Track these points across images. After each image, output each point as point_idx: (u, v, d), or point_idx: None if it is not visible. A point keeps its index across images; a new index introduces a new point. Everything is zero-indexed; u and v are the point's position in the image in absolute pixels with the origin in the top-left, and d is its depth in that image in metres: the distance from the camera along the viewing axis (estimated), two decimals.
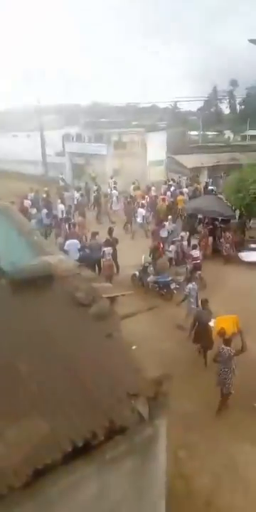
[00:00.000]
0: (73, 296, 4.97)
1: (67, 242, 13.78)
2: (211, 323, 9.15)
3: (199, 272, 13.34)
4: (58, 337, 4.31)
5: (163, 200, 21.99)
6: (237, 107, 79.02)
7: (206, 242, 16.18)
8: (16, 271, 5.45)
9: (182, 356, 9.24)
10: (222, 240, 16.11)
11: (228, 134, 61.76)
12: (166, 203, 21.59)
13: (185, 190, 24.15)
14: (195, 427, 7.23)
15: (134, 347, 7.29)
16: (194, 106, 77.25)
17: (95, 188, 24.83)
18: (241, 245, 16.49)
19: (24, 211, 19.05)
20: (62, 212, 19.57)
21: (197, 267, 13.39)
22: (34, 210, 19.83)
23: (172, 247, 15.11)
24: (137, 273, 13.46)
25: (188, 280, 11.67)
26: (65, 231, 16.34)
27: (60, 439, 3.14)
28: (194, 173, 29.66)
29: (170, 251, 14.98)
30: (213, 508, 5.85)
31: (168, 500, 4.18)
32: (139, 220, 19.08)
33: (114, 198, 23.73)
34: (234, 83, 74.77)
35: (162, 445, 3.80)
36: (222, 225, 17.09)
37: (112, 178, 27.88)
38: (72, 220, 18.13)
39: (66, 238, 14.63)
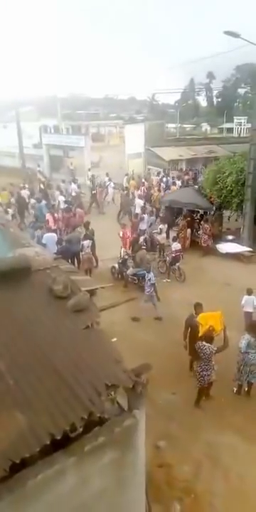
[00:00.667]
0: (51, 288, 4.90)
1: (45, 236, 13.66)
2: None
3: (178, 264, 13.45)
4: (36, 330, 4.25)
5: (159, 190, 22.30)
6: (214, 99, 79.66)
7: (185, 234, 16.32)
8: None
9: (161, 347, 9.31)
10: (200, 231, 16.28)
11: (205, 126, 62.31)
12: (162, 193, 21.84)
13: (177, 182, 24.51)
14: (175, 417, 7.30)
15: (114, 339, 7.28)
16: (172, 99, 77.60)
17: (89, 178, 25.29)
18: (218, 237, 16.73)
19: (22, 201, 20.43)
20: (61, 202, 19.87)
21: (176, 259, 13.49)
22: (32, 201, 20.32)
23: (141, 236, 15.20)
24: (116, 265, 13.45)
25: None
26: (66, 220, 17.16)
27: (38, 432, 3.10)
28: (172, 166, 29.83)
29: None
30: (193, 494, 5.94)
31: (148, 490, 4.23)
32: (137, 210, 18.98)
33: (110, 189, 24.01)
34: (211, 75, 75.30)
35: (141, 435, 3.81)
36: (199, 217, 17.27)
37: (89, 171, 27.71)
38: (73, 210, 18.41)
39: (48, 230, 14.61)
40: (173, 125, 52.14)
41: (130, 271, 12.89)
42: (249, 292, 9.99)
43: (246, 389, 8.09)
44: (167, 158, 29.99)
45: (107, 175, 25.53)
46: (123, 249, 13.82)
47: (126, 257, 13.39)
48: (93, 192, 23.16)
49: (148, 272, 12.50)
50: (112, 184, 24.72)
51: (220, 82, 73.57)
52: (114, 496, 3.68)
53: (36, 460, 3.06)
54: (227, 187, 16.34)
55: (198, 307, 8.54)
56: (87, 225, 14.81)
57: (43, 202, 19.53)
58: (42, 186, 23.57)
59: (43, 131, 35.82)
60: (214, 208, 17.25)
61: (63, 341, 4.14)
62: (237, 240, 16.34)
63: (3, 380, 3.56)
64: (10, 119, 37.75)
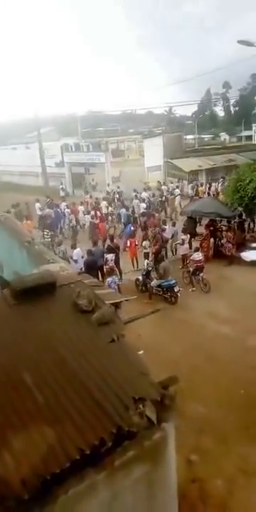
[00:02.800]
0: (75, 303, 4.93)
1: (75, 252, 13.95)
2: None
3: (202, 274, 13.30)
4: (61, 345, 4.27)
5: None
6: (231, 108, 79.30)
7: (208, 244, 16.14)
8: (18, 280, 5.42)
9: (188, 359, 9.16)
10: (223, 240, 16.07)
11: (224, 136, 61.99)
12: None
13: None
14: (206, 430, 7.13)
15: (140, 352, 7.23)
16: (189, 110, 77.81)
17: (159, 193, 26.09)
18: (242, 245, 16.46)
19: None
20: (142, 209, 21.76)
21: (199, 269, 13.35)
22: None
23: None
24: (140, 278, 13.43)
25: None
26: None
27: (68, 447, 3.10)
28: (192, 176, 29.77)
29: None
30: (228, 511, 5.75)
31: (181, 506, 4.12)
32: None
33: (178, 197, 24.42)
34: (227, 85, 75.14)
35: (172, 449, 3.74)
36: (222, 226, 17.08)
37: (108, 186, 28.16)
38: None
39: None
40: (192, 136, 52.17)
41: (154, 282, 12.83)
42: None
43: None
44: (187, 169, 29.98)
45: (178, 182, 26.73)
46: (147, 261, 13.79)
47: (150, 268, 13.35)
48: (161, 200, 24.04)
49: (174, 285, 12.45)
50: (178, 191, 25.43)
51: (236, 91, 73.32)
52: (146, 511, 3.61)
53: (67, 476, 3.05)
54: (248, 194, 16.12)
55: None
56: (111, 238, 14.93)
57: (124, 210, 21.19)
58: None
59: (64, 149, 36.67)
60: (236, 216, 17.04)
61: (89, 355, 4.14)
62: None
63: (31, 395, 3.59)
64: (32, 140, 38.88)
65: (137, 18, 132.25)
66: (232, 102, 78.05)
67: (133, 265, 15.50)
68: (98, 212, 21.48)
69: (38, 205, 22.68)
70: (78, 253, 13.96)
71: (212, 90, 76.76)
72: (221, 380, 8.39)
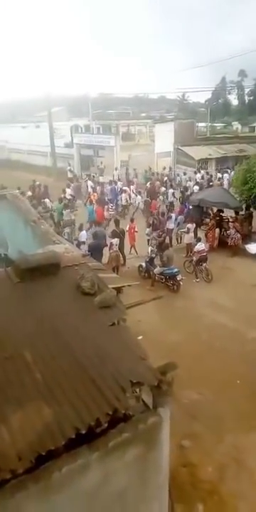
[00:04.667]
0: (78, 285, 4.97)
1: (81, 233, 14.02)
2: None
3: (205, 264, 13.29)
4: (63, 325, 4.32)
5: None
6: (246, 98, 77.80)
7: (213, 234, 16.07)
8: (23, 259, 5.47)
9: (187, 346, 9.23)
10: (229, 231, 15.97)
11: (236, 125, 61.01)
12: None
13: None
14: (200, 417, 7.23)
15: (140, 337, 7.29)
16: (202, 97, 76.42)
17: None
18: (248, 237, 16.36)
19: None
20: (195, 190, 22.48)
21: (202, 259, 13.33)
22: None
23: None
24: (143, 264, 13.45)
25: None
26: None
27: (64, 425, 3.16)
28: (201, 165, 29.47)
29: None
30: (217, 496, 5.87)
31: (171, 489, 4.21)
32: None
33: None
34: (242, 73, 73.59)
35: (166, 434, 3.80)
36: (229, 217, 16.96)
37: (116, 170, 28.04)
38: None
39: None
40: (204, 124, 51.38)
41: (157, 270, 12.85)
42: None
43: None
44: (196, 157, 29.63)
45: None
46: (150, 247, 13.79)
47: (154, 255, 13.36)
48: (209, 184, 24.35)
49: (176, 273, 12.46)
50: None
51: (251, 80, 71.80)
52: (138, 493, 3.69)
53: (61, 453, 3.12)
54: None
55: None
56: (117, 222, 14.92)
57: (171, 190, 22.37)
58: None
59: (74, 130, 36.34)
60: (244, 207, 16.90)
61: (89, 337, 4.19)
62: None
63: (30, 372, 3.65)
64: (42, 119, 38.57)
65: (152, 4, 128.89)
66: (246, 91, 76.61)
67: (130, 251, 15.46)
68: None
69: (90, 183, 24.71)
70: (85, 235, 14.01)
71: (228, 78, 75.32)
72: (218, 369, 8.47)
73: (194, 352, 9.04)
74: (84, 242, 13.63)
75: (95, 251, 11.84)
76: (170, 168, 30.07)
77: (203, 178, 25.96)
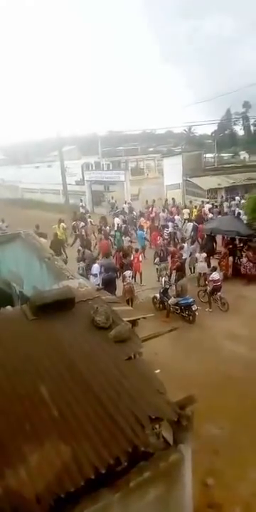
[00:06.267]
0: (93, 319, 4.97)
1: (94, 266, 14.12)
2: None
3: (219, 294, 13.14)
4: (79, 361, 4.29)
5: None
6: (251, 128, 79.15)
7: (227, 262, 15.97)
8: (38, 295, 5.51)
9: (205, 379, 9.00)
10: (242, 259, 15.85)
11: (243, 154, 61.71)
12: None
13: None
14: (223, 453, 6.95)
15: (157, 370, 7.16)
16: (209, 129, 77.99)
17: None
18: None
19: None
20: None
21: (216, 289, 13.19)
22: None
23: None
24: (158, 295, 13.37)
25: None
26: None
27: (83, 464, 3.08)
28: (211, 194, 29.70)
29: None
30: None
31: None
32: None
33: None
34: (246, 105, 75.21)
35: (188, 471, 3.67)
36: (241, 245, 16.87)
37: (126, 203, 28.47)
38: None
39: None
40: (211, 155, 52.11)
41: (172, 300, 12.74)
42: None
43: None
44: (205, 187, 29.93)
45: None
46: (164, 278, 13.75)
47: (168, 286, 13.29)
48: None
49: (192, 303, 12.33)
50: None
51: None
52: None
53: (81, 494, 3.02)
54: None
55: None
56: (126, 255, 15.01)
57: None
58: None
59: (85, 168, 37.28)
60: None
61: (106, 372, 4.14)
62: None
63: (47, 409, 3.61)
64: (54, 159, 39.79)
65: (156, 42, 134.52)
66: (252, 121, 78.01)
67: (135, 280, 15.28)
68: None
69: (162, 214, 24.85)
70: (97, 268, 14.07)
71: (233, 110, 77.01)
72: (237, 402, 8.20)
73: (213, 384, 8.80)
74: (96, 275, 13.63)
75: (108, 284, 11.86)
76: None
77: (212, 209, 26.01)
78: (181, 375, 8.75)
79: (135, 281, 15.30)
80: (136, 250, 16.25)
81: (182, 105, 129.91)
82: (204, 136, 75.19)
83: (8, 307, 5.70)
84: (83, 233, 21.21)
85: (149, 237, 20.55)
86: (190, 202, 28.84)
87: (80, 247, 17.35)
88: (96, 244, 20.07)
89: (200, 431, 6.88)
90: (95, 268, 14.04)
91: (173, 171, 32.19)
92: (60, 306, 5.20)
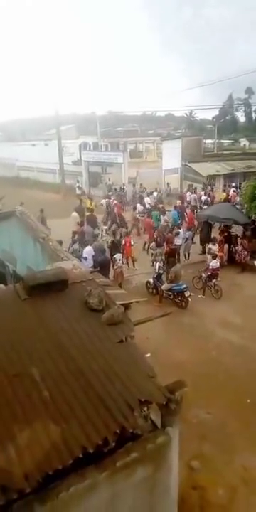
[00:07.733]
0: (86, 301, 4.97)
1: (85, 250, 13.97)
2: None
3: (214, 281, 13.20)
4: (70, 342, 4.31)
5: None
6: (253, 114, 78.45)
7: (222, 250, 15.99)
8: (31, 276, 5.50)
9: (195, 364, 9.11)
10: (238, 247, 15.89)
11: (244, 141, 61.29)
12: None
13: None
14: (210, 437, 7.08)
15: (148, 354, 7.22)
16: (210, 114, 77.19)
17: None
18: None
19: None
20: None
21: (213, 276, 13.24)
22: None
23: None
24: (151, 280, 13.40)
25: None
26: None
27: (71, 444, 3.12)
28: (209, 181, 29.55)
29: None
30: None
31: (180, 511, 4.11)
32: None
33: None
34: (249, 91, 74.37)
35: (175, 454, 3.74)
36: (237, 233, 16.89)
37: (124, 185, 28.34)
38: None
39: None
40: (211, 141, 51.67)
41: (165, 286, 12.79)
42: None
43: None
44: (204, 173, 29.73)
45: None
46: (158, 263, 13.76)
47: (161, 271, 13.32)
48: None
49: (185, 289, 12.38)
50: None
51: None
52: None
53: (68, 473, 3.08)
54: None
55: None
56: (114, 233, 14.97)
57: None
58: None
59: (82, 148, 36.81)
60: (252, 223, 16.83)
61: (97, 354, 4.17)
62: None
63: (38, 390, 3.63)
64: (51, 137, 39.20)
65: (161, 21, 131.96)
66: (254, 108, 77.28)
67: (128, 265, 15.35)
68: None
69: (193, 195, 25.41)
70: (89, 251, 13.93)
71: (235, 96, 76.14)
72: (227, 388, 8.33)
73: (203, 370, 8.91)
74: (86, 258, 13.16)
75: (103, 267, 11.83)
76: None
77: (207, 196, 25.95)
78: (172, 360, 8.85)
79: (129, 266, 15.33)
80: (127, 234, 15.97)
81: (183, 88, 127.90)
82: (205, 121, 74.41)
83: (1, 285, 5.68)
84: (115, 210, 21.15)
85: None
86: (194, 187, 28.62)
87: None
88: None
89: (188, 415, 7.00)
90: (86, 251, 13.84)
91: (172, 155, 31.85)
92: (54, 286, 5.19)
